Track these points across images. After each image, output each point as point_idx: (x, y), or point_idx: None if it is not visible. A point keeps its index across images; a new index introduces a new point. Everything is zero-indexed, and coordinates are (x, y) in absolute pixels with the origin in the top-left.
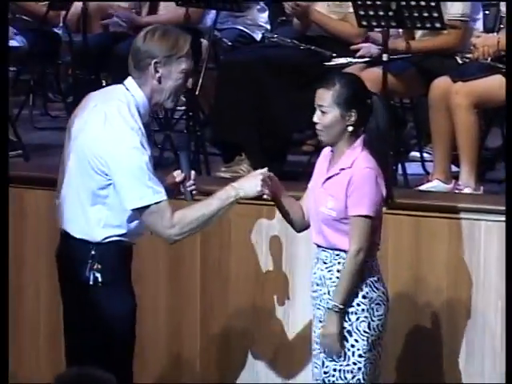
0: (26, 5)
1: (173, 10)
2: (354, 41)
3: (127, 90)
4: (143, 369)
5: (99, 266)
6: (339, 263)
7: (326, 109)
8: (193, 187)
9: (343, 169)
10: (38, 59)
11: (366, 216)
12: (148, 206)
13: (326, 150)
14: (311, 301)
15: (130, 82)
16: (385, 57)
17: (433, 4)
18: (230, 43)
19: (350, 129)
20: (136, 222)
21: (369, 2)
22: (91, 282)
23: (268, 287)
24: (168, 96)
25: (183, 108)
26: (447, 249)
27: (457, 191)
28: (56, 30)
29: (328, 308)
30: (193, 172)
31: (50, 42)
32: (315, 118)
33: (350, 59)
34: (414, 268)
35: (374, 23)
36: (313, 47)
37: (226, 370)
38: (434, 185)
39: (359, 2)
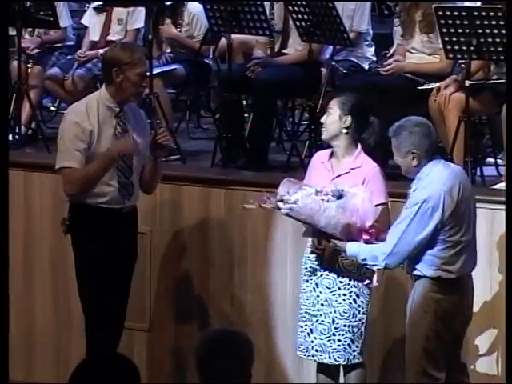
0: (183, 41)
1: (297, 53)
2: (445, 72)
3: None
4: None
5: None
6: None
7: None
8: (164, 139)
9: (353, 168)
10: (193, 84)
11: (386, 203)
12: (61, 168)
13: (321, 155)
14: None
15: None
16: (467, 83)
17: (505, 40)
18: (344, 71)
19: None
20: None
21: (454, 39)
22: None
23: None
24: (129, 94)
25: (307, 122)
26: None
27: None
28: (207, 61)
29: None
30: (162, 129)
31: (203, 70)
32: None
33: (438, 84)
34: (488, 251)
35: (459, 56)
36: (409, 75)
37: None
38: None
39: (446, 39)
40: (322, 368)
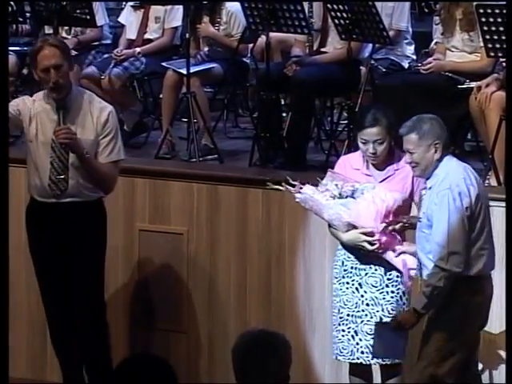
0: (221, 39)
1: (336, 51)
2: (486, 71)
3: None
4: None
5: None
6: None
7: None
8: (61, 136)
9: (398, 169)
10: (231, 83)
11: None
12: None
13: (352, 160)
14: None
15: None
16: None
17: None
18: (383, 70)
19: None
20: None
21: (495, 37)
22: None
23: None
24: (47, 89)
25: (345, 121)
26: None
27: None
28: (245, 60)
29: None
30: (62, 126)
31: (240, 69)
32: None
33: (479, 83)
34: None
35: (500, 54)
36: (450, 74)
37: None
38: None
39: (487, 37)
40: (355, 370)
